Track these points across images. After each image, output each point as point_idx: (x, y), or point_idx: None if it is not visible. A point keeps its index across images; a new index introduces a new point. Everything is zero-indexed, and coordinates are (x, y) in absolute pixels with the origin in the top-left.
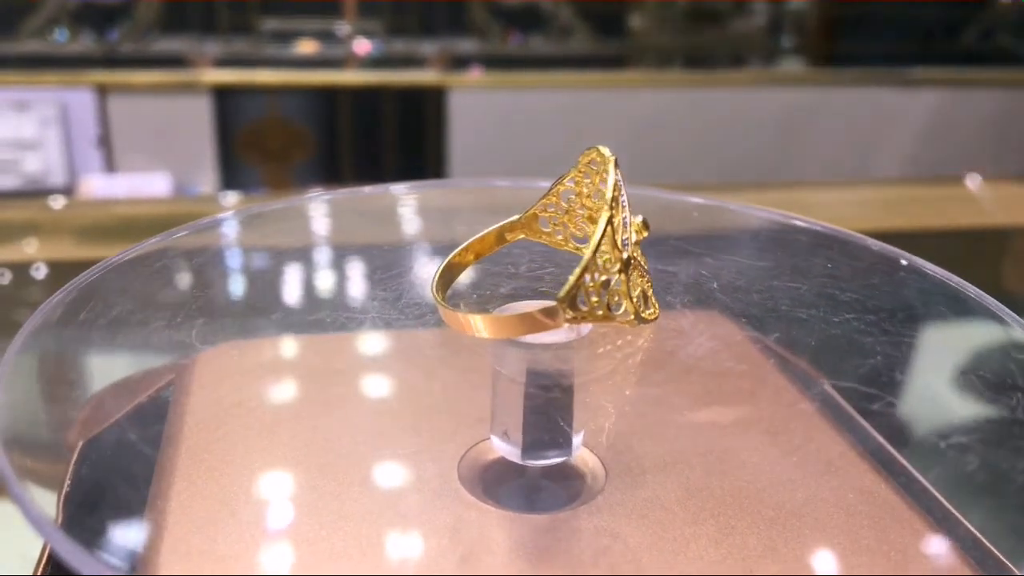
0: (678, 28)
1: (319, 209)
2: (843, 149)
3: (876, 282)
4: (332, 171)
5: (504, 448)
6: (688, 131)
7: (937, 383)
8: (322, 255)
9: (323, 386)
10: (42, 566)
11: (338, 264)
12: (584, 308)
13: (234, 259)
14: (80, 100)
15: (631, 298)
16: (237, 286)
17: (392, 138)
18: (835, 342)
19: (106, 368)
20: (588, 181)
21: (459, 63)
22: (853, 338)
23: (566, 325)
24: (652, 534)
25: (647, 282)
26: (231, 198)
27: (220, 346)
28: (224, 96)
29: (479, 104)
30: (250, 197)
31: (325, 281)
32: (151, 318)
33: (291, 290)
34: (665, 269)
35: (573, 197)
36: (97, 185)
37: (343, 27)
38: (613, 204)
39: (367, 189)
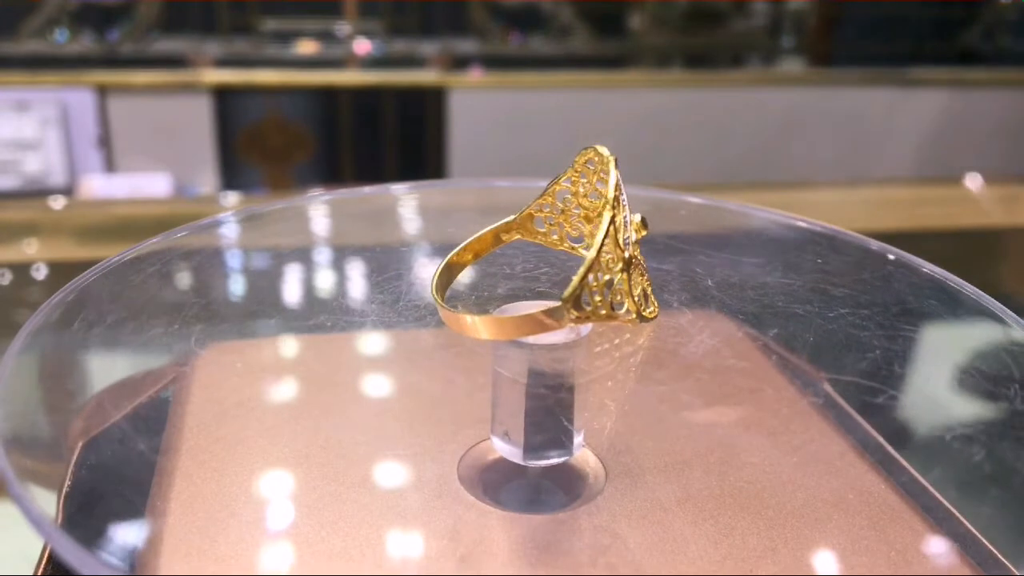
0: (678, 28)
1: (319, 209)
2: (843, 149)
3: (867, 277)
4: (332, 171)
5: (505, 448)
6: (688, 131)
7: (936, 379)
8: (322, 255)
9: (324, 387)
10: (42, 566)
11: (338, 264)
12: (588, 308)
13: (234, 259)
14: (80, 100)
15: (633, 297)
16: (237, 286)
17: (392, 138)
18: (833, 337)
19: (106, 368)
20: (584, 181)
21: (459, 63)
22: (850, 333)
23: (569, 325)
24: (652, 534)
25: (647, 281)
26: (231, 198)
27: (220, 346)
28: (224, 96)
29: (479, 104)
30: (250, 197)
31: (325, 281)
32: (151, 318)
33: (291, 290)
34: (659, 267)
35: (569, 197)
36: (97, 185)
37: (343, 27)
38: (615, 203)
39: (367, 189)
